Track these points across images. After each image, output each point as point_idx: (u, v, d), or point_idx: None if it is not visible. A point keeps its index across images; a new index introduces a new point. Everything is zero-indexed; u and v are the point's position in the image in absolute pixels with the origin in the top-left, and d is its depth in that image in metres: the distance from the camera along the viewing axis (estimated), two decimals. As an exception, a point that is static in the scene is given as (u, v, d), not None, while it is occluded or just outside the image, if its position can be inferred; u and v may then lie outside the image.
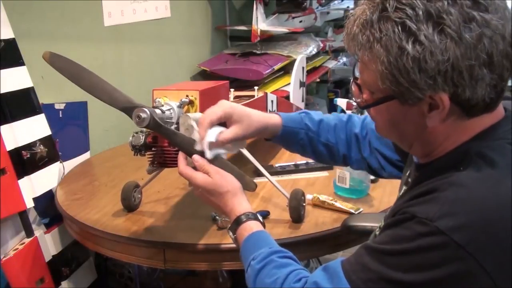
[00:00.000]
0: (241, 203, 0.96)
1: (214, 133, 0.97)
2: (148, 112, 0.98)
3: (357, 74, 0.82)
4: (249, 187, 1.00)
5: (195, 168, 0.98)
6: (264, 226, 0.95)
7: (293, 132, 1.08)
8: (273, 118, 1.06)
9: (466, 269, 0.67)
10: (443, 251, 0.68)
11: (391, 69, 0.72)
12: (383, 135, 0.87)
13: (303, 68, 2.58)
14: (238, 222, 0.94)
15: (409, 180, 0.89)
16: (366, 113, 0.91)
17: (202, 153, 0.97)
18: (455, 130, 0.76)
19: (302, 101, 2.55)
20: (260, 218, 0.96)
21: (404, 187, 0.91)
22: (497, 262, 0.68)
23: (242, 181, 0.98)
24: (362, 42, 0.75)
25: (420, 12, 0.69)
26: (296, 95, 2.44)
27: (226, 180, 0.96)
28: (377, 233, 0.86)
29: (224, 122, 1.00)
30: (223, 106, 1.00)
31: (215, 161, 0.98)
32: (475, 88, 0.71)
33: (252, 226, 0.93)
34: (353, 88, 0.84)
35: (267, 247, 0.89)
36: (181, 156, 1.00)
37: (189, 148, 0.99)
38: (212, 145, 0.97)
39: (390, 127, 0.82)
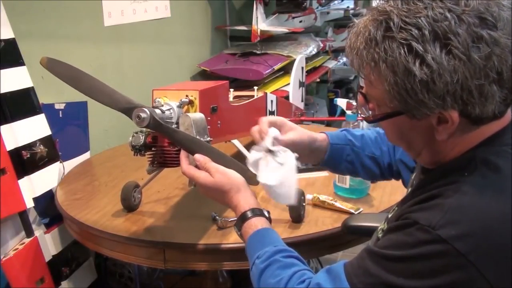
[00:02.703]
0: (246, 199, 0.95)
1: (275, 131, 1.01)
2: (148, 112, 0.99)
3: (362, 83, 0.81)
4: (251, 181, 1.00)
5: (197, 166, 0.98)
6: (270, 221, 0.95)
7: (340, 149, 1.09)
8: (320, 134, 1.10)
9: (467, 277, 0.67)
10: (445, 259, 0.68)
11: (398, 89, 0.71)
12: (393, 143, 0.87)
13: (302, 68, 2.58)
14: (243, 218, 0.94)
15: (415, 182, 0.89)
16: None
17: (253, 174, 0.98)
18: (463, 138, 0.76)
19: (302, 101, 2.55)
20: (266, 213, 0.96)
21: (410, 189, 0.91)
22: (498, 271, 0.68)
23: (244, 175, 0.98)
24: (367, 60, 0.73)
25: (427, 32, 0.68)
26: (295, 95, 2.44)
27: (228, 177, 0.96)
28: (380, 235, 0.86)
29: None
30: (277, 117, 1.06)
31: (214, 157, 0.98)
32: (485, 104, 0.70)
33: (257, 223, 0.92)
34: (359, 98, 0.83)
35: (272, 246, 0.88)
36: (183, 156, 1.01)
37: (190, 145, 0.99)
38: (274, 143, 0.99)
39: (398, 139, 0.82)
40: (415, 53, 0.68)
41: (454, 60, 0.67)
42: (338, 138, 1.10)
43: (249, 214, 0.93)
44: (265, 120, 1.03)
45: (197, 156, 0.98)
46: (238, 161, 1.00)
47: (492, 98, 0.70)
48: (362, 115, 0.84)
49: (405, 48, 0.68)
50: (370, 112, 0.81)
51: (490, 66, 0.68)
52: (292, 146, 1.02)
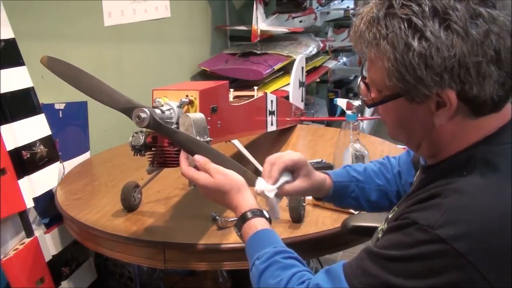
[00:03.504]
0: (246, 199, 0.95)
1: (283, 181, 1.00)
2: (148, 112, 0.98)
3: (365, 73, 0.82)
4: (251, 182, 1.00)
5: (196, 167, 0.98)
6: (270, 221, 0.95)
7: (344, 186, 1.08)
8: (325, 177, 1.08)
9: (467, 277, 0.67)
10: (444, 259, 0.68)
11: (397, 66, 0.72)
12: (393, 136, 0.86)
13: (302, 68, 2.58)
14: (243, 219, 0.93)
15: (415, 184, 0.89)
16: (368, 110, 0.91)
17: (253, 175, 0.99)
18: (462, 130, 0.76)
19: (302, 101, 2.54)
20: (266, 214, 0.96)
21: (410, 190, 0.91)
22: (498, 271, 0.68)
23: (244, 176, 0.98)
24: (369, 39, 0.75)
25: (426, 9, 0.69)
26: (295, 95, 2.44)
27: (228, 178, 0.96)
28: (379, 236, 0.86)
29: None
30: (298, 155, 1.02)
31: (216, 160, 0.98)
32: (483, 85, 0.71)
33: (257, 224, 0.92)
34: (361, 87, 0.84)
35: (272, 247, 0.88)
36: (183, 157, 1.00)
37: (190, 146, 0.99)
38: (277, 193, 0.99)
39: (398, 127, 0.82)
40: (414, 28, 0.70)
41: (452, 35, 0.69)
42: (340, 175, 1.09)
43: (249, 214, 0.93)
44: (281, 163, 0.99)
45: (197, 157, 0.97)
46: (237, 162, 1.00)
47: (490, 78, 0.70)
48: (363, 98, 0.84)
49: (405, 23, 0.70)
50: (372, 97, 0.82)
51: (488, 44, 0.69)
52: (298, 194, 1.06)
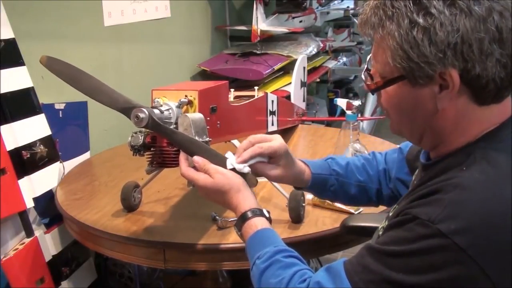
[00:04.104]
0: (245, 199, 0.95)
1: (252, 161, 1.00)
2: (146, 112, 0.99)
3: (370, 66, 0.83)
4: (250, 182, 1.00)
5: (196, 168, 0.98)
6: (270, 221, 0.95)
7: (323, 179, 1.08)
8: (304, 168, 1.07)
9: (467, 272, 0.67)
10: (444, 254, 0.68)
11: (401, 43, 0.73)
12: (395, 130, 0.86)
13: (304, 68, 2.57)
14: (243, 218, 0.93)
15: (415, 182, 0.89)
16: (369, 109, 0.91)
17: (233, 169, 0.98)
18: (464, 119, 0.77)
19: (303, 101, 2.54)
20: (266, 213, 0.96)
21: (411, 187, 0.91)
22: (498, 265, 0.68)
23: (244, 176, 0.98)
24: (375, 21, 0.77)
25: None
26: (297, 95, 2.44)
27: (227, 178, 0.96)
28: (380, 233, 0.86)
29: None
30: (281, 143, 1.02)
31: (217, 160, 0.98)
32: (485, 63, 0.71)
33: (257, 224, 0.92)
34: (365, 77, 0.84)
35: (272, 246, 0.88)
36: (182, 158, 1.00)
37: (189, 146, 0.99)
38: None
39: (401, 115, 0.82)
40: (419, 4, 0.72)
41: (456, 11, 0.70)
42: (321, 167, 1.09)
43: (249, 214, 0.93)
44: (258, 149, 1.00)
45: (196, 158, 0.98)
46: None
47: (492, 57, 0.71)
48: (366, 82, 0.85)
49: (411, 1, 0.73)
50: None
51: (490, 21, 0.70)
52: (272, 180, 1.07)
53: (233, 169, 0.98)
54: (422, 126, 0.81)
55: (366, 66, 0.85)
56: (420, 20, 0.71)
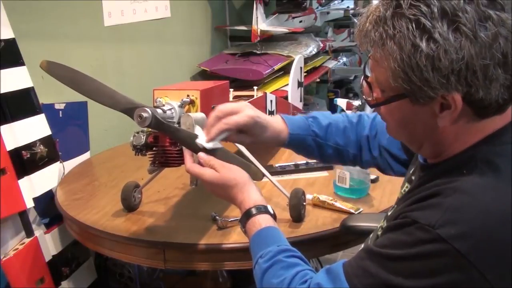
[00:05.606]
0: (250, 195, 0.95)
1: (221, 137, 1.00)
2: (149, 112, 0.99)
3: (367, 72, 0.81)
4: (256, 176, 1.00)
5: (201, 164, 0.98)
6: (275, 218, 0.95)
7: (300, 139, 1.07)
8: (282, 128, 1.06)
9: (467, 277, 0.67)
10: (444, 259, 0.68)
11: (403, 66, 0.71)
12: (393, 136, 0.86)
13: (301, 68, 2.58)
14: (248, 215, 0.94)
15: (413, 178, 0.89)
16: (368, 109, 0.91)
17: (257, 169, 1.00)
18: (465, 132, 0.76)
19: (300, 101, 2.54)
20: (271, 210, 0.95)
21: (407, 185, 0.91)
22: (498, 271, 0.68)
23: (248, 171, 0.98)
24: (375, 39, 0.73)
25: (435, 10, 0.68)
26: (294, 95, 2.44)
27: (233, 173, 0.96)
28: (379, 233, 0.86)
29: None
30: (248, 117, 1.00)
31: (217, 153, 0.98)
32: (489, 88, 0.70)
33: (261, 221, 0.92)
34: (364, 86, 0.83)
35: (275, 245, 0.88)
36: (187, 154, 1.01)
37: (194, 144, 0.99)
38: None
39: (400, 128, 0.81)
40: (422, 28, 0.68)
41: (461, 37, 0.67)
42: (299, 127, 1.07)
43: (253, 211, 0.93)
44: (224, 125, 0.99)
45: (201, 154, 0.98)
46: (240, 157, 1.01)
47: (496, 82, 0.69)
48: (366, 98, 0.83)
49: (413, 24, 0.69)
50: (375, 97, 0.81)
51: (496, 47, 0.68)
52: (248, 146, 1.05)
53: (204, 149, 0.98)
54: (422, 139, 0.80)
55: (363, 71, 0.83)
56: (424, 46, 0.68)
